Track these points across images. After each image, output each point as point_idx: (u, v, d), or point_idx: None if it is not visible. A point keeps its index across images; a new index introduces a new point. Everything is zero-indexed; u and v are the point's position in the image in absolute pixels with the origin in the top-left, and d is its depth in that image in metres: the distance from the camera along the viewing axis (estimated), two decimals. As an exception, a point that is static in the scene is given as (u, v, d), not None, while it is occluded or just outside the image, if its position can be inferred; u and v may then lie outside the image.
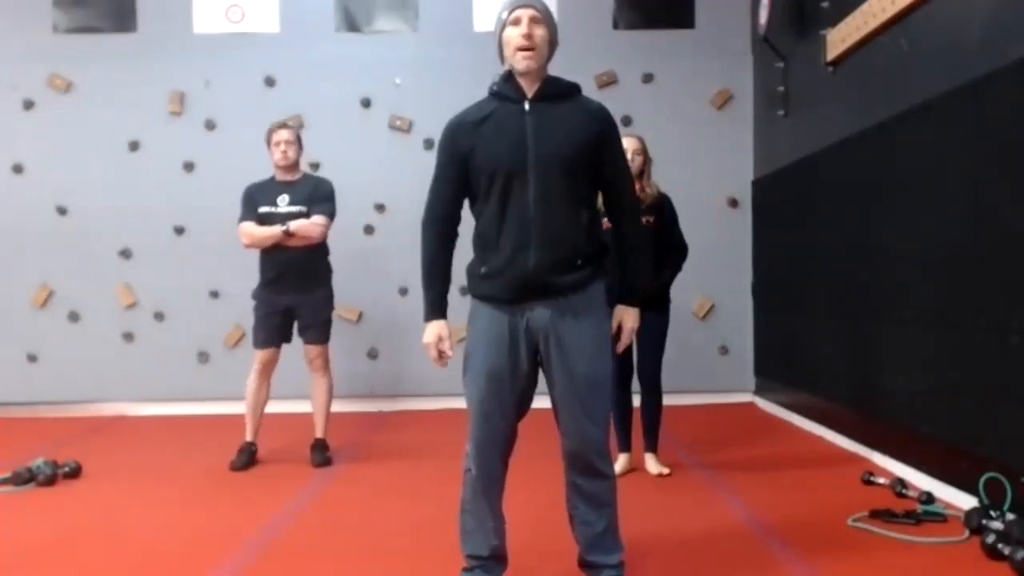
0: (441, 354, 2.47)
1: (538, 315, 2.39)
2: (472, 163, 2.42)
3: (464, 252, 2.53)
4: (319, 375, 4.50)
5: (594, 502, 2.48)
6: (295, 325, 4.47)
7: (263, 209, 4.36)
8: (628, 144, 3.98)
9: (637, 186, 3.99)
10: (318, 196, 4.40)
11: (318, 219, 4.34)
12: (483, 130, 2.41)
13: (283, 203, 4.36)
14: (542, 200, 2.34)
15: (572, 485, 2.50)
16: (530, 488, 3.35)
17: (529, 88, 2.42)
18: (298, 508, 3.62)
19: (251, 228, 4.34)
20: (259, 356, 4.43)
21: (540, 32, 2.39)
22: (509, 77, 2.44)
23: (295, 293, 4.36)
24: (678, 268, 4.17)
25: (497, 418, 2.44)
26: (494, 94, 2.47)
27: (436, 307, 2.49)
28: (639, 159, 4.03)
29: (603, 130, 2.46)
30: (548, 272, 2.36)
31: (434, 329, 2.47)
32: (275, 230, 4.28)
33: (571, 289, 2.39)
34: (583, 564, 2.57)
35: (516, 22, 2.39)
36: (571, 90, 2.49)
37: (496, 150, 2.38)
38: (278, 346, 4.45)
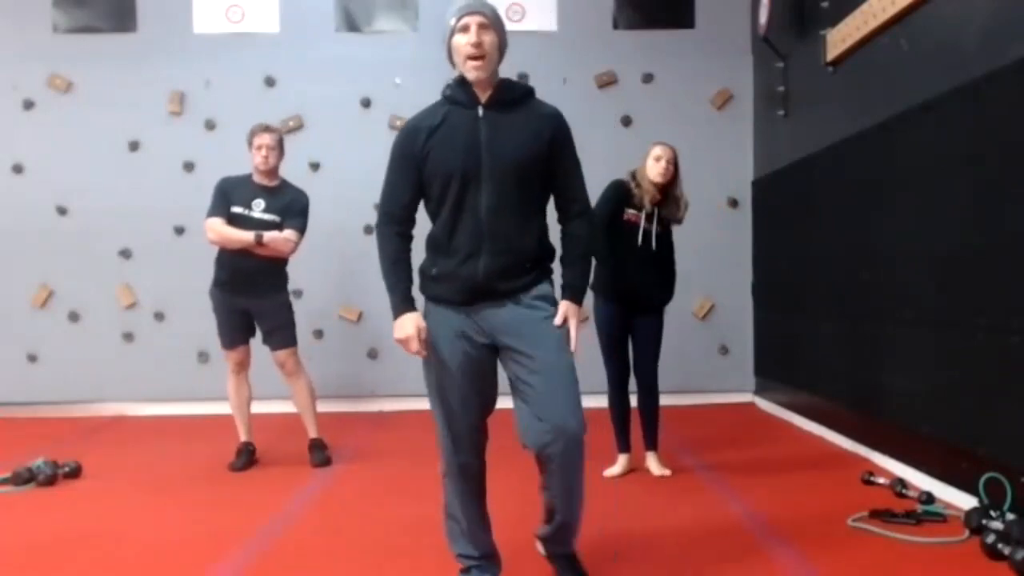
0: (424, 344, 2.44)
1: (489, 316, 2.43)
2: (426, 168, 2.43)
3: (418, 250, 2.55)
4: (293, 379, 4.44)
5: (572, 491, 2.50)
6: (256, 329, 4.42)
7: (236, 209, 4.27)
8: (660, 151, 4.01)
9: (662, 197, 4.01)
10: (293, 209, 4.32)
11: (290, 234, 4.26)
12: (437, 136, 2.41)
13: (258, 208, 4.28)
14: (495, 207, 2.37)
15: (550, 474, 2.48)
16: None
17: (483, 93, 2.42)
18: (298, 508, 3.62)
19: (221, 227, 4.24)
20: (230, 356, 4.41)
21: (489, 39, 2.38)
22: (462, 82, 2.44)
23: (249, 298, 4.30)
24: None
25: (463, 417, 2.46)
26: (447, 98, 2.47)
27: (406, 300, 2.46)
28: (671, 168, 4.03)
29: (556, 135, 2.46)
30: (497, 278, 2.40)
31: (411, 321, 2.42)
32: (247, 236, 4.19)
33: (521, 291, 2.44)
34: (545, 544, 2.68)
35: (464, 29, 2.37)
36: (525, 95, 2.49)
37: (450, 156, 2.39)
38: (246, 343, 4.41)
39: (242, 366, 4.43)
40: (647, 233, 4.01)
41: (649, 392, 4.13)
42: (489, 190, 2.37)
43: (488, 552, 2.58)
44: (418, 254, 2.53)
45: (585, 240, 2.54)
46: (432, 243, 2.49)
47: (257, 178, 4.37)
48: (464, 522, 2.54)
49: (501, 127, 2.40)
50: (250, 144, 4.35)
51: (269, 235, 4.21)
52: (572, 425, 2.41)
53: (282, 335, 4.38)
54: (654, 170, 3.99)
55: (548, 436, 2.39)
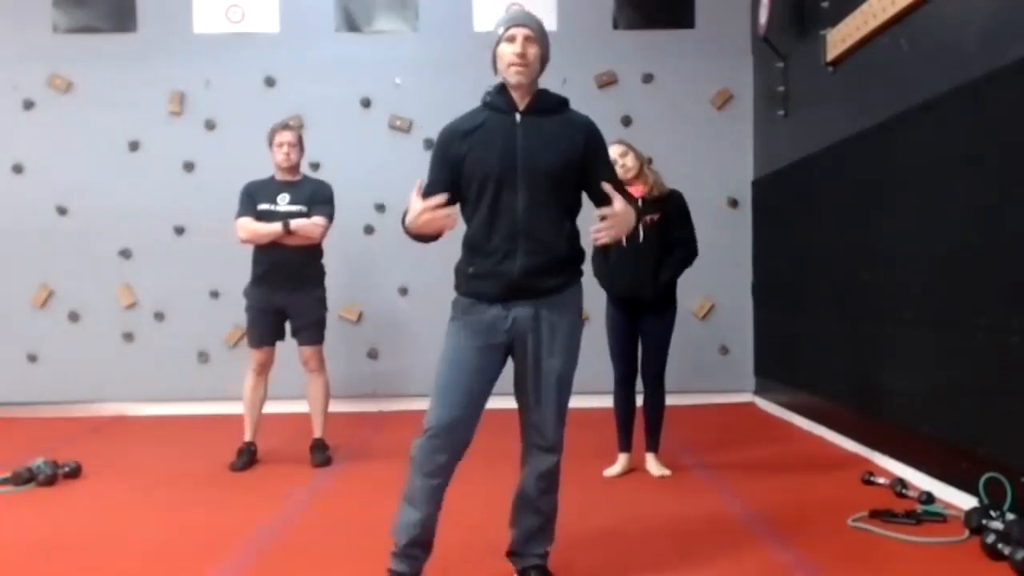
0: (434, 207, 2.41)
1: (520, 312, 2.51)
2: (464, 170, 2.52)
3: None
4: (314, 376, 4.50)
5: (547, 494, 2.61)
6: (288, 325, 4.46)
7: (262, 206, 4.36)
8: (612, 152, 3.98)
9: (639, 187, 4.00)
10: (319, 198, 4.40)
11: (318, 220, 4.34)
12: (475, 139, 2.52)
13: (283, 202, 4.36)
14: (530, 208, 2.47)
15: (530, 474, 2.61)
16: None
17: (521, 101, 2.54)
18: (298, 508, 3.62)
19: (249, 223, 4.34)
20: (255, 355, 4.43)
21: (533, 50, 2.51)
22: (502, 89, 2.56)
23: (286, 292, 4.36)
24: (680, 265, 4.07)
25: (458, 407, 2.50)
26: (487, 104, 2.58)
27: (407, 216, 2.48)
28: (629, 161, 4.02)
29: (589, 142, 2.58)
30: (532, 276, 2.49)
31: (413, 211, 2.42)
32: (275, 226, 4.28)
33: (553, 291, 2.53)
34: (511, 553, 2.70)
35: (511, 39, 2.49)
36: (560, 104, 2.61)
37: (487, 158, 2.49)
38: (272, 345, 4.45)
39: (264, 367, 4.45)
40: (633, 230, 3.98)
41: (653, 392, 4.13)
42: (524, 192, 2.47)
43: (427, 540, 2.60)
44: (451, 256, 2.57)
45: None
46: (469, 244, 2.58)
47: (279, 176, 4.44)
48: (417, 509, 2.54)
49: (537, 132, 2.51)
50: (270, 143, 4.43)
51: (296, 222, 4.28)
52: (557, 427, 2.58)
53: (312, 331, 4.45)
54: (619, 175, 4.01)
55: (536, 438, 2.58)
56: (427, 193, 2.52)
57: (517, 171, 2.47)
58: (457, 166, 2.52)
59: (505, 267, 2.47)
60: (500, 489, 2.80)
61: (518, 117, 2.52)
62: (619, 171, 3.99)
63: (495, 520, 2.80)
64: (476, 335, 2.51)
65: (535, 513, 2.63)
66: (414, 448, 2.53)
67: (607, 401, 4.21)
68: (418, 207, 2.41)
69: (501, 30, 2.52)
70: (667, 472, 4.06)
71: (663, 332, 4.09)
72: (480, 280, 2.52)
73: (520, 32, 2.49)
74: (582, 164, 2.54)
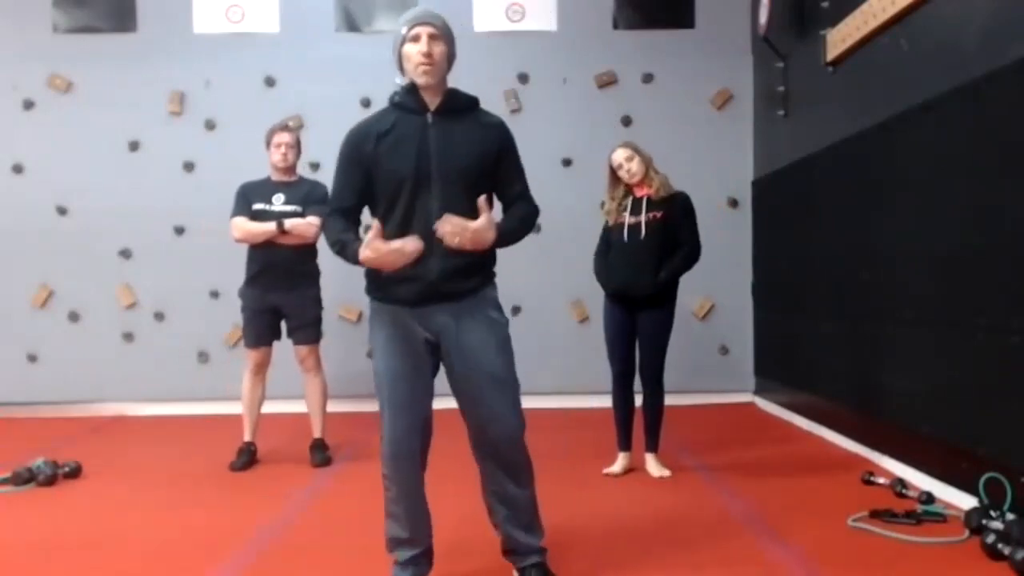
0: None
1: (436, 317, 2.49)
2: (376, 173, 2.49)
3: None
4: (311, 375, 4.49)
5: (509, 490, 2.59)
6: (284, 325, 4.46)
7: (257, 206, 4.36)
8: (618, 155, 4.03)
9: (644, 188, 4.01)
10: (314, 198, 4.39)
11: (313, 219, 4.32)
12: (387, 141, 2.48)
13: (278, 201, 4.37)
14: (445, 210, 2.38)
15: (485, 474, 2.61)
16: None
17: (431, 101, 2.50)
18: (298, 508, 3.62)
19: (243, 222, 4.35)
20: (252, 356, 4.43)
21: (439, 49, 2.47)
22: (412, 89, 2.51)
23: (281, 292, 4.35)
24: (682, 265, 4.06)
25: (408, 413, 2.51)
26: (396, 105, 2.54)
27: (354, 247, 2.40)
28: (634, 166, 4.04)
29: (502, 145, 2.56)
30: (449, 279, 2.45)
31: (373, 241, 2.33)
32: (269, 226, 4.28)
33: (469, 293, 2.51)
34: (507, 552, 2.67)
35: (416, 39, 2.45)
36: (470, 104, 2.58)
37: (401, 161, 2.45)
38: (270, 344, 4.45)
39: (261, 367, 4.45)
40: (634, 227, 4.00)
41: (651, 391, 4.12)
42: (439, 194, 2.43)
43: (426, 549, 2.62)
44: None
45: (524, 214, 2.57)
46: None
47: (275, 176, 4.46)
48: (405, 522, 2.58)
49: (450, 133, 2.48)
50: (268, 143, 4.45)
51: (291, 222, 4.29)
52: (511, 426, 2.54)
53: (308, 331, 4.45)
54: (624, 178, 4.06)
55: (479, 437, 2.56)
56: (340, 200, 2.53)
57: (432, 173, 2.43)
58: (369, 169, 2.49)
59: (420, 270, 2.41)
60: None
61: (430, 118, 2.48)
62: (623, 175, 4.04)
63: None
64: (400, 340, 2.49)
65: (506, 506, 2.61)
66: (382, 464, 2.56)
67: (606, 401, 4.21)
68: (387, 248, 2.30)
69: (404, 29, 2.47)
70: (667, 472, 4.06)
71: (660, 331, 4.06)
72: (396, 284, 2.46)
73: (424, 31, 2.44)
74: (495, 165, 2.52)
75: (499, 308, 2.60)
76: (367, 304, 2.61)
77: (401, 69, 2.53)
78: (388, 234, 2.43)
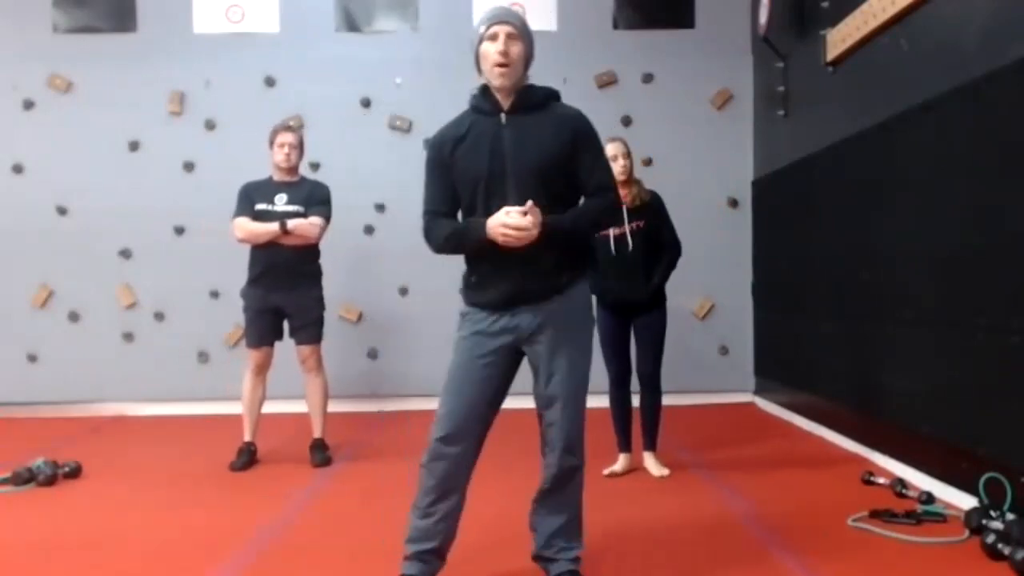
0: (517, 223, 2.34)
1: (524, 319, 2.48)
2: (455, 176, 2.50)
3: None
4: (312, 375, 4.49)
5: (566, 494, 2.58)
6: (286, 325, 4.47)
7: (260, 206, 4.37)
8: (613, 149, 3.97)
9: (625, 191, 3.99)
10: (316, 198, 4.41)
11: (315, 220, 4.34)
12: (464, 144, 2.49)
13: (280, 202, 4.37)
14: None
15: (550, 476, 2.57)
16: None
17: (505, 100, 2.50)
18: (298, 508, 3.62)
19: (246, 223, 4.35)
20: (253, 356, 4.43)
21: (516, 49, 2.46)
22: (486, 90, 2.52)
23: (283, 292, 4.36)
24: (671, 267, 4.12)
25: (461, 417, 2.50)
26: (472, 108, 2.55)
27: (475, 222, 2.45)
28: (627, 163, 4.03)
29: (577, 135, 2.51)
30: (533, 279, 2.45)
31: (494, 220, 2.37)
32: (272, 226, 4.29)
33: (555, 292, 2.48)
34: (538, 558, 2.64)
35: (493, 37, 2.45)
36: (547, 99, 2.56)
37: (476, 162, 2.46)
38: (271, 345, 4.45)
39: (262, 367, 4.45)
40: (620, 238, 3.99)
41: (650, 392, 4.13)
42: (515, 193, 2.41)
43: (440, 546, 2.58)
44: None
45: (594, 207, 2.54)
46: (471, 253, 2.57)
47: (278, 176, 4.46)
48: (429, 513, 2.53)
49: (523, 131, 2.47)
50: (271, 143, 4.45)
51: (293, 222, 4.29)
52: (573, 438, 2.55)
53: (310, 331, 4.45)
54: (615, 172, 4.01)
55: (556, 441, 2.54)
56: (435, 203, 2.53)
57: (506, 172, 2.43)
58: (450, 173, 2.51)
59: (504, 273, 2.44)
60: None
61: (503, 118, 2.48)
62: (619, 169, 3.98)
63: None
64: (478, 346, 2.50)
65: (554, 513, 2.59)
66: (424, 455, 2.54)
67: (605, 401, 4.21)
68: (503, 223, 2.34)
69: (483, 28, 2.46)
70: (666, 471, 4.06)
71: (657, 331, 4.10)
72: (482, 290, 2.50)
73: (503, 30, 2.43)
74: (571, 158, 2.49)
75: (587, 309, 2.58)
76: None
77: (479, 68, 2.51)
78: None
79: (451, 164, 2.50)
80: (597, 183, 2.54)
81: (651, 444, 4.17)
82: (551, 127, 2.49)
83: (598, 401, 4.45)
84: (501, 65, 2.42)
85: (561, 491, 2.58)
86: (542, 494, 2.61)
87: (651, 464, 4.12)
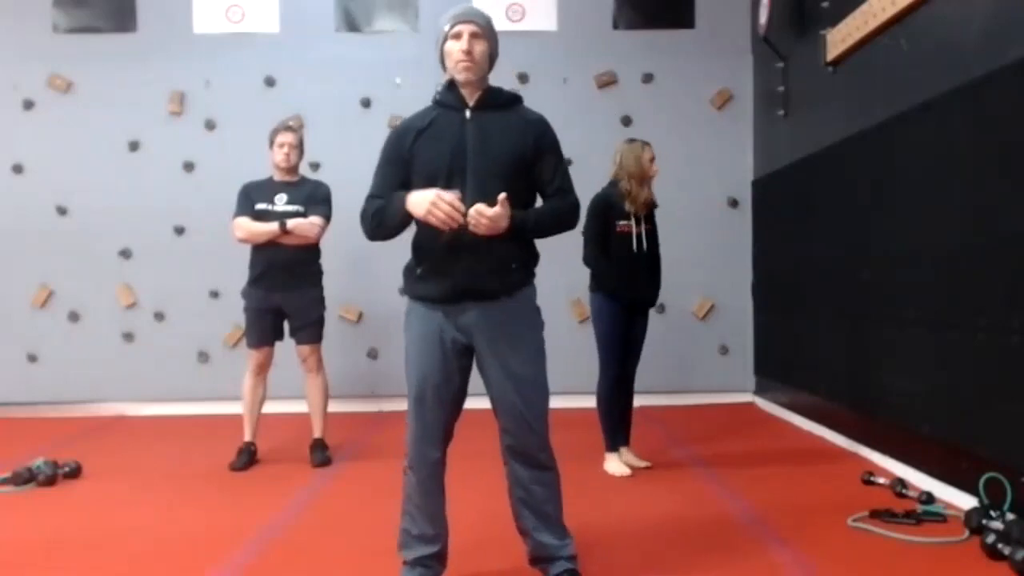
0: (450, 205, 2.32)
1: (470, 316, 2.46)
2: (413, 167, 2.49)
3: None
4: (313, 375, 4.50)
5: (538, 495, 2.54)
6: (286, 324, 4.47)
7: (260, 206, 4.37)
8: (652, 151, 4.12)
9: (648, 192, 4.06)
10: (316, 198, 4.41)
11: (315, 219, 4.34)
12: (425, 136, 2.48)
13: (280, 202, 4.37)
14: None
15: (514, 479, 2.56)
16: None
17: (471, 97, 2.50)
18: (298, 508, 3.62)
19: (246, 222, 4.35)
20: (253, 356, 4.43)
21: (480, 47, 2.48)
22: (451, 86, 2.52)
23: (284, 292, 4.36)
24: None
25: (434, 413, 2.49)
26: (437, 102, 2.55)
27: (401, 195, 2.43)
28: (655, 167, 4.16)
29: (541, 141, 2.52)
30: (481, 276, 2.43)
31: (422, 195, 2.35)
32: (272, 226, 4.29)
33: (503, 292, 2.47)
34: (534, 560, 2.62)
35: (457, 36, 2.47)
36: (511, 100, 2.57)
37: (436, 155, 2.45)
38: (272, 344, 4.45)
39: (263, 367, 4.45)
40: (639, 237, 4.05)
41: (630, 389, 4.26)
42: (474, 189, 2.39)
43: (439, 553, 2.60)
44: (400, 258, 2.52)
45: (557, 207, 2.54)
46: (418, 244, 2.54)
47: (278, 176, 4.46)
48: (420, 521, 2.56)
49: (487, 129, 2.47)
50: (271, 143, 4.45)
51: (293, 222, 4.30)
52: (538, 432, 2.51)
53: (311, 331, 4.45)
54: (652, 171, 4.11)
55: (511, 442, 2.51)
56: (380, 190, 2.51)
57: (466, 168, 2.41)
58: (407, 164, 2.49)
59: (453, 266, 2.41)
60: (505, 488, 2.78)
61: (468, 113, 2.48)
62: (656, 168, 4.13)
63: (503, 516, 2.78)
64: (430, 341, 2.47)
65: (533, 512, 2.57)
66: (405, 461, 2.55)
67: (587, 401, 4.26)
68: (427, 199, 2.32)
69: (447, 27, 2.48)
70: (648, 463, 4.16)
71: (645, 331, 4.24)
72: (427, 282, 2.48)
73: (466, 29, 2.46)
74: (533, 160, 2.49)
75: (536, 312, 2.56)
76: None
77: (443, 65, 2.53)
78: (422, 230, 2.46)
79: (411, 156, 2.48)
80: (558, 186, 2.55)
81: (627, 440, 4.25)
82: (515, 127, 2.50)
83: (585, 401, 4.45)
84: (465, 62, 2.44)
85: (528, 493, 2.55)
86: (518, 501, 2.59)
87: (631, 457, 4.19)
